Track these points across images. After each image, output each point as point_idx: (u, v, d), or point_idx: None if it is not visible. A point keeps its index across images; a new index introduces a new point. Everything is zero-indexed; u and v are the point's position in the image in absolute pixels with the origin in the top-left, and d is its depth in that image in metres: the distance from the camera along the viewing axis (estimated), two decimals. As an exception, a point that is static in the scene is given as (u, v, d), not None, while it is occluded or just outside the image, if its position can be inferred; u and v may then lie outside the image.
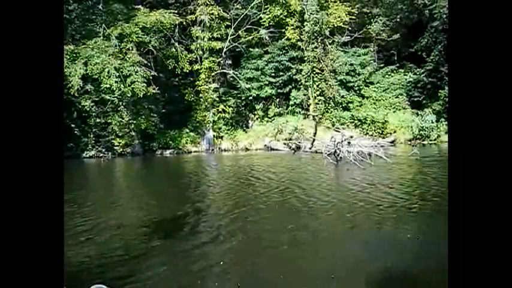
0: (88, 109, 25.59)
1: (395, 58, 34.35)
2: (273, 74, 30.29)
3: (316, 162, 19.80)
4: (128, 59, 24.80)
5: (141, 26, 24.80)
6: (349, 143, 20.06)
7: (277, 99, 30.91)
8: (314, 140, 23.73)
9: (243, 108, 30.71)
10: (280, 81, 30.31)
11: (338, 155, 19.08)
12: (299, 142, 25.42)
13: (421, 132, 27.81)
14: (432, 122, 27.73)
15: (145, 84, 24.63)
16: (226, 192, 14.34)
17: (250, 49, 30.33)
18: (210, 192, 14.59)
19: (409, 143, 28.18)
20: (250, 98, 30.14)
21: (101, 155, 26.38)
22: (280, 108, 30.67)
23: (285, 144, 27.20)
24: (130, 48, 24.96)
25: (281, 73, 30.38)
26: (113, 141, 26.66)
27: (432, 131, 27.72)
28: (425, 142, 27.81)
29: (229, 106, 29.39)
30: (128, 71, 24.51)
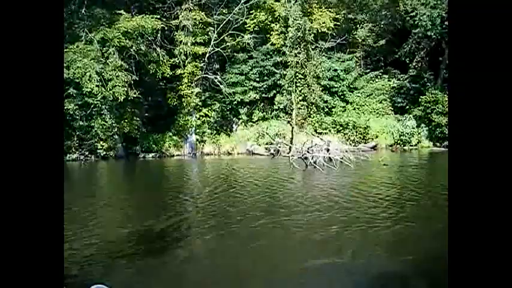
0: (72, 112, 25.77)
1: (382, 64, 34.58)
2: (257, 79, 30.49)
3: (285, 167, 20.01)
4: (109, 63, 25.10)
5: (122, 31, 25.05)
6: (327, 149, 20.26)
7: (262, 104, 31.11)
8: (291, 144, 23.89)
9: (228, 112, 30.94)
10: (265, 86, 30.51)
11: (308, 160, 19.27)
12: (279, 147, 25.61)
13: (401, 137, 28.02)
14: (413, 128, 27.95)
15: (126, 89, 24.89)
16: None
17: (235, 54, 30.57)
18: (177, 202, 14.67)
19: (390, 148, 28.39)
20: (235, 102, 30.34)
21: (84, 158, 26.63)
22: (265, 113, 30.86)
23: (266, 148, 27.43)
24: (112, 53, 25.25)
25: (265, 78, 30.57)
26: (96, 144, 26.87)
27: (412, 136, 27.93)
28: (405, 147, 28.02)
29: (214, 110, 29.63)
30: (110, 75, 24.80)
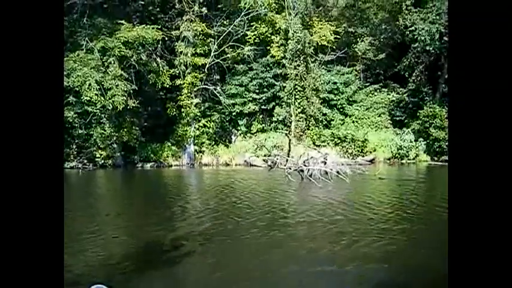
0: (71, 120, 25.86)
1: (382, 78, 34.66)
2: (257, 91, 30.59)
3: (281, 179, 20.04)
4: (109, 72, 25.27)
5: (123, 41, 25.26)
6: (324, 162, 20.29)
7: (261, 116, 31.21)
8: (288, 157, 23.93)
9: (227, 123, 31.02)
10: (264, 98, 30.61)
11: (304, 172, 19.30)
12: (276, 159, 25.64)
13: (399, 151, 28.02)
14: (410, 141, 27.96)
15: (125, 98, 25.03)
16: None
17: (235, 65, 30.73)
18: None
19: (387, 162, 28.39)
20: (234, 113, 30.45)
21: (82, 166, 26.69)
22: (264, 125, 30.94)
23: (264, 160, 27.47)
24: (112, 62, 25.43)
25: (265, 90, 30.68)
26: (94, 152, 26.99)
27: (410, 150, 27.93)
28: (403, 161, 28.01)
29: (213, 121, 29.73)
30: (109, 84, 24.97)
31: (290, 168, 20.26)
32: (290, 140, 25.25)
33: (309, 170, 19.23)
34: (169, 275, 7.69)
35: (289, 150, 25.11)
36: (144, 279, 7.27)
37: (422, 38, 27.24)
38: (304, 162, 19.58)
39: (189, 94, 28.33)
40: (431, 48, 27.88)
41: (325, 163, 20.08)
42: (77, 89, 24.58)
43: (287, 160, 23.75)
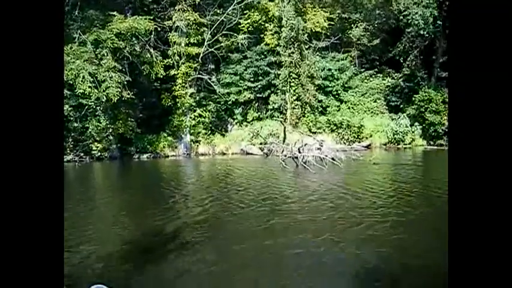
0: (66, 113, 25.84)
1: (377, 63, 34.57)
2: (251, 79, 30.52)
3: (276, 167, 20.11)
4: (103, 64, 25.19)
5: (115, 32, 25.13)
6: (319, 148, 20.32)
7: (256, 104, 31.17)
8: (283, 144, 23.96)
9: (223, 112, 31.01)
10: (259, 86, 30.54)
11: (299, 159, 19.36)
12: (272, 146, 25.67)
13: (395, 136, 28.06)
14: (406, 126, 27.99)
15: (119, 90, 24.98)
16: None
17: (229, 54, 30.63)
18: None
19: (384, 147, 28.45)
20: (230, 102, 30.42)
21: (79, 159, 26.72)
22: (259, 113, 30.92)
23: (260, 148, 27.52)
24: (106, 54, 25.33)
25: (260, 78, 30.59)
26: (90, 145, 27.00)
27: (406, 135, 27.98)
28: (399, 146, 28.07)
29: (209, 111, 29.73)
30: (103, 76, 24.87)
31: (285, 156, 20.28)
32: (285, 127, 25.24)
33: (303, 157, 19.26)
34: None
35: (285, 138, 25.13)
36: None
37: (416, 22, 27.12)
38: (298, 149, 19.60)
39: (183, 84, 28.27)
40: (425, 33, 27.77)
41: (320, 149, 20.13)
42: (71, 82, 24.43)
43: (283, 148, 23.77)
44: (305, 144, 19.46)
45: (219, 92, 29.21)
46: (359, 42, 33.58)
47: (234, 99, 30.23)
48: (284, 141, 24.87)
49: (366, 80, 32.48)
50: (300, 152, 19.43)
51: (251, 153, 27.55)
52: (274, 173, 18.80)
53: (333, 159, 19.26)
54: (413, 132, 28.18)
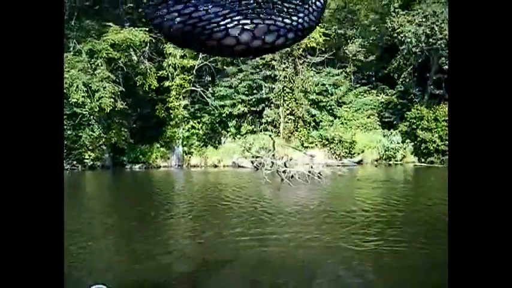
0: (60, 122, 26.05)
1: (373, 79, 34.71)
2: (246, 92, 30.74)
3: (261, 181, 20.21)
4: (97, 74, 25.47)
5: (110, 43, 25.45)
6: (308, 163, 20.42)
7: (250, 117, 31.32)
8: (273, 158, 24.05)
9: (217, 125, 31.16)
10: (254, 99, 30.74)
11: (285, 174, 19.45)
12: (263, 160, 25.73)
13: (386, 152, 28.11)
14: (398, 143, 28.07)
15: (113, 100, 25.22)
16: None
17: (225, 67, 30.87)
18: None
19: (375, 163, 28.49)
20: (224, 115, 30.58)
21: (71, 167, 26.86)
22: (253, 126, 31.06)
23: (251, 162, 27.59)
24: (100, 64, 25.63)
25: (254, 91, 30.83)
26: (83, 154, 27.18)
27: (398, 151, 28.04)
28: (391, 162, 28.10)
29: (203, 123, 29.91)
30: (97, 86, 25.15)
31: (269, 170, 20.38)
32: (274, 141, 25.36)
33: (290, 171, 19.36)
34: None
35: (274, 152, 25.20)
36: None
37: (409, 39, 27.32)
38: (284, 163, 19.72)
39: (177, 96, 28.51)
40: (417, 50, 27.95)
41: (308, 164, 20.23)
42: (65, 90, 24.64)
43: (272, 162, 23.88)
44: (290, 159, 19.55)
45: (212, 104, 29.41)
46: (355, 58, 33.75)
47: (228, 112, 30.40)
48: (274, 155, 24.94)
49: (360, 96, 32.60)
50: (286, 167, 19.52)
51: (242, 166, 27.65)
52: (258, 188, 18.83)
53: (319, 174, 19.34)
54: (404, 149, 28.25)
